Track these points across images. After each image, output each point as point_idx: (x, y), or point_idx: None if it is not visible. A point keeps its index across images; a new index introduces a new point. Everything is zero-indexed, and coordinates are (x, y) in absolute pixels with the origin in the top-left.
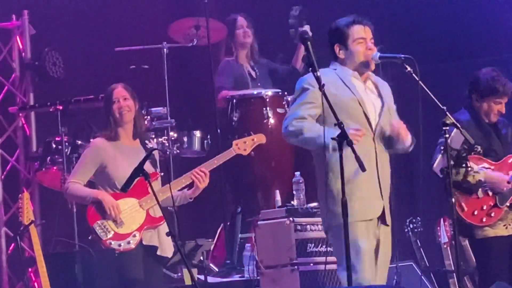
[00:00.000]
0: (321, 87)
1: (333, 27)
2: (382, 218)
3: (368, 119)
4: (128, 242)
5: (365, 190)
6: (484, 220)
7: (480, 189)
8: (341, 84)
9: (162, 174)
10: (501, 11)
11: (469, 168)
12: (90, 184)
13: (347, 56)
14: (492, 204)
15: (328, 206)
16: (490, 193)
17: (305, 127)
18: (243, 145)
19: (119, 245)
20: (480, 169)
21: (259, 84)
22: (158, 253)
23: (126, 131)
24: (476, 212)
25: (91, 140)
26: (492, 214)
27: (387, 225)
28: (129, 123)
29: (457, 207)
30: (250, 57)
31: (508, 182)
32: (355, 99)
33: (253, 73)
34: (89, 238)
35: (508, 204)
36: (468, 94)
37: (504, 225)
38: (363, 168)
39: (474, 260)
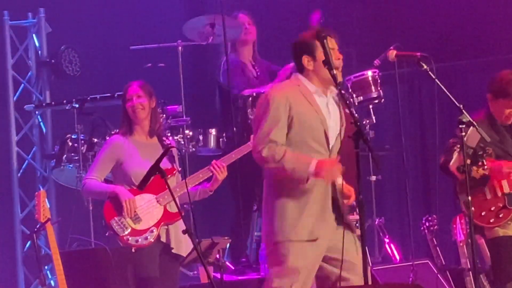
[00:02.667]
0: (337, 85)
1: (300, 40)
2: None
3: (327, 139)
4: (146, 238)
5: (314, 210)
6: (492, 221)
7: (487, 189)
8: (305, 102)
9: (180, 169)
10: None
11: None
12: (107, 182)
13: (315, 68)
14: (501, 206)
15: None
16: (499, 194)
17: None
18: None
19: (137, 241)
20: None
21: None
22: (174, 251)
23: (142, 128)
24: (484, 213)
25: (107, 138)
26: (501, 215)
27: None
28: (144, 120)
29: (465, 207)
30: (252, 55)
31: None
32: (318, 118)
33: (254, 72)
34: (106, 234)
35: None
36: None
37: None
38: (379, 167)
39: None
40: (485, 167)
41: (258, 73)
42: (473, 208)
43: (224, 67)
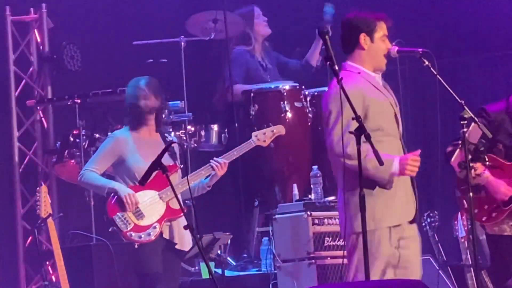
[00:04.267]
0: (339, 81)
1: (359, 16)
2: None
3: (397, 121)
4: (149, 234)
5: (399, 193)
6: (484, 219)
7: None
8: (373, 88)
9: (181, 166)
10: None
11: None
12: (109, 177)
13: (369, 49)
14: (495, 206)
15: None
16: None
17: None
18: (263, 137)
19: (140, 237)
20: (483, 173)
21: (269, 76)
22: (178, 247)
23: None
24: (476, 211)
25: (109, 133)
26: (493, 215)
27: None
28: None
29: (461, 203)
30: (262, 48)
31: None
32: (388, 101)
33: (264, 64)
34: (110, 230)
35: None
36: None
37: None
38: (381, 162)
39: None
40: (482, 176)
41: (267, 65)
42: (466, 205)
43: (234, 57)
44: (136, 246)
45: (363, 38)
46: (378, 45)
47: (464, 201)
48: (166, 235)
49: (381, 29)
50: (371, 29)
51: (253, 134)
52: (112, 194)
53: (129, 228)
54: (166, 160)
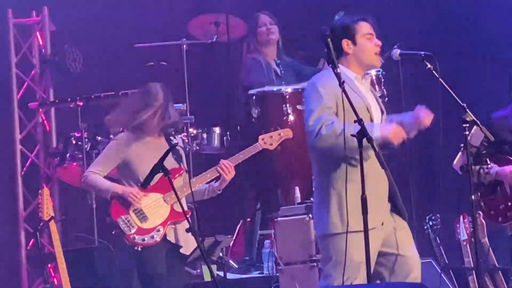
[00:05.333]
0: (341, 84)
1: (339, 24)
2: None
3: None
4: (152, 237)
5: (374, 195)
6: (500, 219)
7: (499, 188)
8: (348, 89)
9: (187, 169)
10: None
11: (481, 169)
12: (113, 181)
13: (356, 52)
14: (510, 204)
15: (330, 212)
16: (510, 193)
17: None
18: (270, 140)
19: (143, 240)
20: (492, 169)
21: (283, 82)
22: (182, 250)
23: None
24: (492, 212)
25: (112, 136)
26: (508, 214)
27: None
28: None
29: (478, 206)
30: (275, 55)
31: None
32: (363, 105)
33: (278, 71)
34: (113, 233)
35: None
36: (508, 89)
37: None
38: (383, 166)
39: (494, 257)
40: (490, 171)
41: (282, 72)
42: (484, 205)
43: (246, 66)
44: (139, 249)
45: (346, 43)
46: (362, 45)
47: (481, 203)
48: (171, 238)
49: (363, 29)
50: (351, 33)
51: (260, 137)
52: (114, 197)
53: (132, 231)
54: (171, 163)
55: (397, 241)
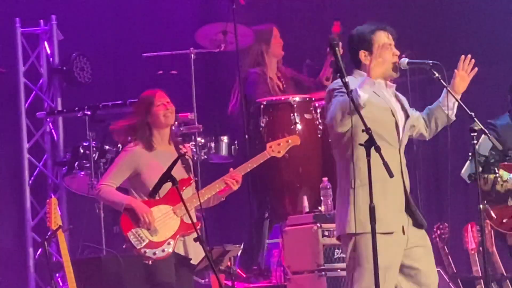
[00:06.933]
0: (349, 93)
1: (356, 34)
2: (414, 223)
3: (398, 130)
4: (163, 250)
5: (390, 202)
6: None
7: (510, 198)
8: (371, 94)
9: (196, 179)
10: None
11: (498, 177)
12: (124, 191)
13: (372, 62)
14: None
15: (349, 213)
16: None
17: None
18: (277, 147)
19: (154, 254)
20: (510, 178)
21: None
22: (193, 262)
23: (162, 136)
24: (505, 220)
25: (119, 146)
26: None
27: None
28: (168, 126)
29: (487, 214)
30: (276, 68)
31: None
32: (388, 108)
33: (280, 84)
34: (124, 247)
35: None
36: (510, 98)
37: None
38: (391, 174)
39: (502, 266)
40: (508, 181)
41: (284, 85)
42: (494, 216)
43: (250, 78)
44: (149, 263)
45: (363, 54)
46: (379, 56)
47: (492, 213)
48: (180, 251)
49: (380, 39)
50: (368, 43)
51: (268, 145)
52: (125, 210)
53: (143, 245)
54: (180, 173)
55: (416, 256)
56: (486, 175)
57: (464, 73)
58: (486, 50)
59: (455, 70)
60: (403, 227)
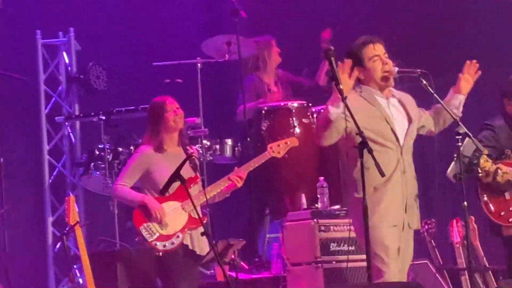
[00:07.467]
0: (343, 99)
1: (348, 53)
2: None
3: (396, 135)
4: (172, 243)
5: (390, 200)
6: (510, 220)
7: (508, 191)
8: (367, 105)
9: (203, 178)
10: None
11: (498, 170)
12: (136, 189)
13: (367, 76)
14: None
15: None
16: None
17: None
18: (277, 148)
19: (164, 246)
20: (510, 170)
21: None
22: (198, 253)
23: (171, 138)
24: (503, 213)
25: (132, 148)
26: None
27: (410, 228)
28: (178, 130)
29: (485, 208)
30: (274, 73)
31: None
32: (382, 117)
33: (275, 88)
34: (136, 240)
35: None
36: (500, 99)
37: None
38: (382, 174)
39: (485, 258)
40: (508, 172)
41: (281, 91)
42: (493, 209)
43: (247, 84)
44: (160, 255)
45: (358, 71)
46: (370, 68)
47: (491, 206)
48: (187, 243)
49: (369, 52)
50: (360, 59)
51: (268, 146)
52: (138, 206)
53: (154, 238)
54: (188, 172)
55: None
56: (487, 167)
57: (469, 76)
58: (474, 57)
59: (460, 74)
60: (403, 223)
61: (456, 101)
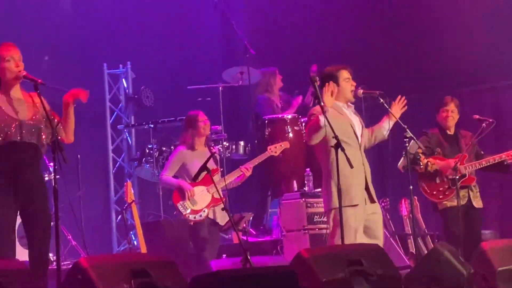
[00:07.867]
0: (324, 113)
1: (327, 72)
2: (370, 199)
3: (356, 136)
4: (200, 216)
5: (355, 184)
6: (440, 197)
7: (437, 177)
8: (338, 115)
9: (222, 169)
10: (488, 43)
11: (428, 163)
12: (175, 177)
13: (338, 92)
14: (446, 187)
15: (331, 191)
16: (445, 179)
17: None
18: (275, 149)
19: (194, 217)
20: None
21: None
22: (219, 222)
23: (201, 141)
24: (435, 192)
25: (172, 147)
26: (446, 193)
27: (375, 202)
28: (206, 135)
29: (423, 189)
30: (278, 94)
31: (453, 168)
32: (348, 122)
33: (279, 105)
34: (174, 213)
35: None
36: (435, 112)
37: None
38: (351, 165)
39: (424, 226)
40: (434, 164)
41: (283, 105)
42: (428, 190)
43: (259, 102)
44: (191, 224)
45: (332, 85)
46: (343, 86)
47: (426, 188)
48: (211, 216)
49: (343, 75)
50: (335, 78)
51: (268, 147)
52: (176, 189)
53: (187, 212)
54: (212, 165)
55: (372, 220)
56: (422, 162)
57: (398, 108)
58: (424, 81)
59: (393, 102)
60: (365, 200)
61: (387, 125)
